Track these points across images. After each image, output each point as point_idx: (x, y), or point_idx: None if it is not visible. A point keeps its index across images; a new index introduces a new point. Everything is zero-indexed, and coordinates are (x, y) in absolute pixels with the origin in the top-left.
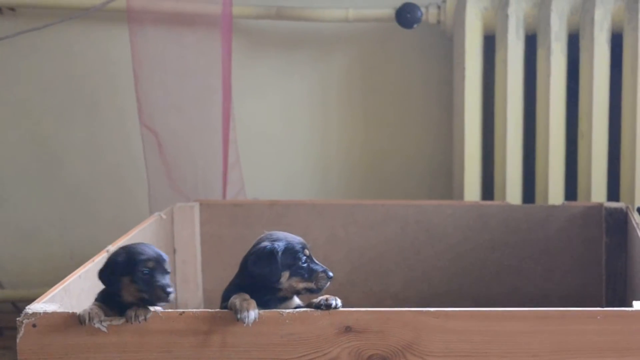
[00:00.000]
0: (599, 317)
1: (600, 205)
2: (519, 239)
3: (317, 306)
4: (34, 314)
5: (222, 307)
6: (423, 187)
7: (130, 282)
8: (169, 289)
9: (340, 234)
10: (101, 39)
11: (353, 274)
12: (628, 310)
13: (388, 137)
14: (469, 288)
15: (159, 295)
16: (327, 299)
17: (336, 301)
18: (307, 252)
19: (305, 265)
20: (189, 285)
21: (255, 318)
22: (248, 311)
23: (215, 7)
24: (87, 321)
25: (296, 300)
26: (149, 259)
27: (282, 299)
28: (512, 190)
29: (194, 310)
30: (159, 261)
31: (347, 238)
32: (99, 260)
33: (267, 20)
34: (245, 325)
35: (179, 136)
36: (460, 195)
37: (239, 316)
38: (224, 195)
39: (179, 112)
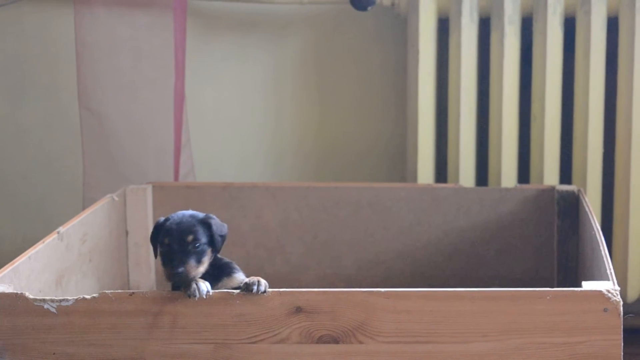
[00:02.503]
0: (548, 297)
1: (553, 188)
2: (471, 222)
3: (241, 289)
4: None
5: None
6: (377, 170)
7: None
8: (178, 269)
9: (293, 216)
10: (54, 20)
11: (306, 256)
12: (577, 291)
13: (342, 119)
14: (422, 270)
15: (168, 274)
16: (250, 283)
17: (259, 286)
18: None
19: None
20: (141, 267)
21: (207, 290)
22: (197, 284)
23: None
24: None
25: (238, 277)
26: (166, 234)
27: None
28: (465, 173)
29: (144, 291)
30: (177, 237)
31: (300, 221)
32: (49, 241)
33: (221, 1)
34: (197, 299)
35: (129, 119)
36: (414, 178)
37: (188, 292)
38: (176, 178)
39: (130, 95)
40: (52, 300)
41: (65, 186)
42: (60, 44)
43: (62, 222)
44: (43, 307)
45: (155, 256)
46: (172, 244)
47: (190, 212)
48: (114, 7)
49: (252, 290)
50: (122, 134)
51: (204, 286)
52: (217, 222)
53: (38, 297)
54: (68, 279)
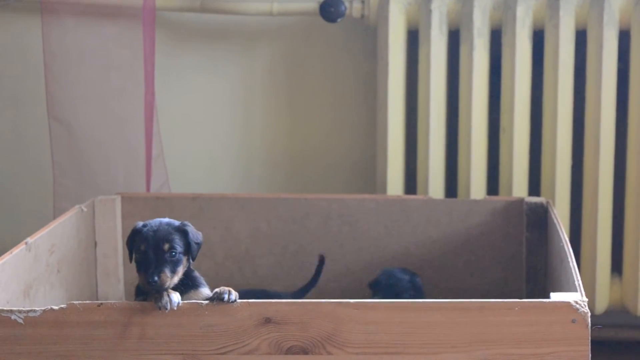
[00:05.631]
0: (517, 309)
1: (521, 200)
2: (440, 233)
3: (211, 299)
4: None
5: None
6: (347, 182)
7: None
8: (152, 279)
9: (263, 227)
10: (22, 29)
11: (276, 268)
12: (545, 302)
13: (312, 131)
14: None
15: (143, 282)
16: (220, 292)
17: (230, 295)
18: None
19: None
20: (110, 278)
21: (178, 302)
22: (169, 296)
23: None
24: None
25: (204, 292)
26: (143, 240)
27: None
28: (435, 185)
29: (113, 301)
30: (154, 245)
31: (270, 232)
32: (17, 252)
33: (190, 13)
34: (167, 311)
35: (98, 129)
36: (383, 190)
37: (160, 304)
38: (147, 189)
39: (99, 105)
40: (20, 311)
41: (35, 196)
42: (29, 53)
43: (32, 233)
44: (10, 317)
45: (130, 261)
46: (148, 251)
47: (166, 219)
48: (83, 17)
49: (222, 299)
50: (92, 145)
51: (176, 298)
52: (192, 230)
53: (5, 308)
54: (36, 290)
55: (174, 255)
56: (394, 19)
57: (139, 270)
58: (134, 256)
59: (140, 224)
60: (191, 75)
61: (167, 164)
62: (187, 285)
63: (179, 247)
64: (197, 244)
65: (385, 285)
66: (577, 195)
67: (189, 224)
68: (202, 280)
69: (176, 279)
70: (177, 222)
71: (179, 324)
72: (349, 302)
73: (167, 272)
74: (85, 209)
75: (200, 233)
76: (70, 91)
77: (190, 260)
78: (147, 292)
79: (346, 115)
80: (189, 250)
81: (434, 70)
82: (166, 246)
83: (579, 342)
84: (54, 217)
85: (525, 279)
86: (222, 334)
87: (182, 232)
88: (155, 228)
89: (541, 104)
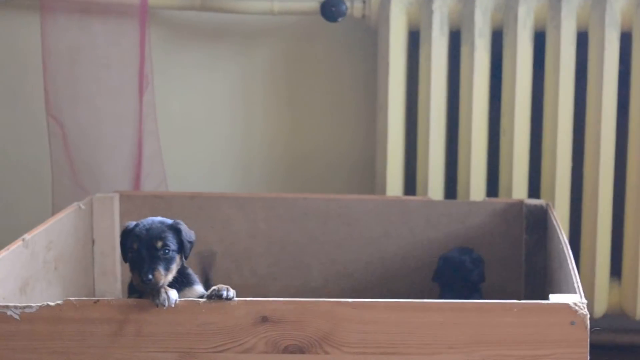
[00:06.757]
0: (515, 310)
1: (521, 202)
2: (439, 234)
3: (209, 297)
4: None
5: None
6: (346, 182)
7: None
8: (146, 277)
9: (261, 227)
10: (21, 27)
11: (274, 267)
12: (544, 303)
13: (312, 131)
14: (390, 283)
15: (137, 281)
16: (218, 289)
17: (228, 292)
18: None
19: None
20: (107, 277)
21: (175, 300)
22: (167, 293)
23: None
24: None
25: (198, 290)
26: (135, 239)
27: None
28: (434, 186)
29: (109, 298)
30: (147, 243)
31: (268, 231)
32: (14, 248)
33: (191, 11)
34: (165, 308)
35: (96, 127)
36: (383, 190)
37: (157, 301)
38: (136, 187)
39: (97, 103)
40: (16, 307)
41: (34, 194)
42: (27, 51)
43: (29, 230)
44: (6, 313)
45: (125, 261)
46: (141, 249)
47: (159, 218)
48: (81, 15)
49: (221, 296)
50: (90, 142)
51: (173, 295)
52: (185, 228)
53: (1, 304)
54: (33, 287)
55: (167, 253)
56: (395, 19)
57: (132, 269)
58: (127, 256)
59: (132, 223)
60: (191, 74)
61: (165, 163)
62: (181, 283)
63: (172, 244)
64: (190, 242)
65: (449, 275)
66: (577, 198)
67: (182, 222)
68: (195, 278)
69: (170, 277)
70: (169, 221)
71: (175, 322)
72: (346, 302)
73: (161, 269)
74: (83, 207)
75: (192, 232)
76: (68, 89)
77: (183, 259)
78: (141, 290)
79: (346, 115)
80: (182, 248)
81: (434, 70)
82: (159, 244)
83: (578, 344)
84: (52, 215)
85: (524, 281)
86: (218, 332)
87: (175, 230)
88: (147, 226)
89: (542, 106)
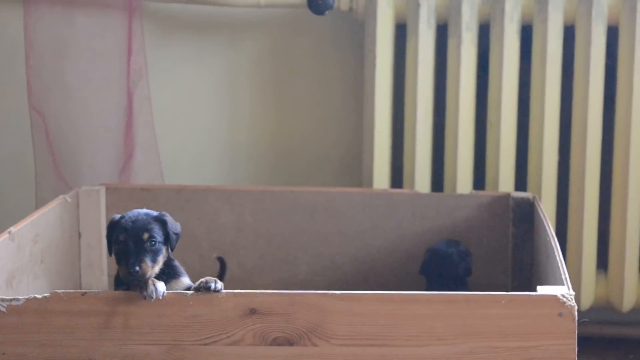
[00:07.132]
0: (503, 302)
1: (508, 195)
2: (426, 227)
3: (197, 289)
4: None
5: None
6: (333, 175)
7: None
8: (134, 269)
9: (248, 220)
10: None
11: (261, 260)
12: (532, 295)
13: (298, 124)
14: (377, 275)
15: (124, 273)
16: (206, 282)
17: (216, 284)
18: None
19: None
20: (94, 269)
21: (163, 292)
22: (154, 285)
23: None
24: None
25: (185, 282)
26: (122, 231)
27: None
28: (421, 179)
29: (97, 290)
30: (133, 235)
31: (255, 224)
32: (0, 241)
33: (177, 3)
34: (153, 300)
35: (80, 120)
36: (370, 183)
37: (145, 293)
38: (125, 178)
39: (79, 96)
40: (2, 300)
41: (18, 186)
42: (9, 43)
43: (14, 223)
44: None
45: (110, 254)
46: (128, 241)
47: (145, 210)
48: (65, 8)
49: (209, 288)
50: (74, 135)
51: (161, 287)
52: (171, 220)
53: None
54: (19, 280)
55: (154, 245)
56: (382, 12)
57: (119, 261)
58: (113, 248)
59: (117, 216)
60: (177, 67)
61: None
62: (168, 275)
63: (159, 236)
64: (176, 234)
65: (436, 267)
66: (564, 191)
67: (167, 214)
68: (182, 269)
69: (157, 269)
70: (155, 213)
71: (163, 314)
72: (334, 294)
73: (148, 261)
74: (69, 200)
75: (178, 223)
76: (51, 81)
77: (170, 251)
78: (128, 282)
79: (333, 108)
80: (168, 240)
81: (421, 64)
82: (145, 235)
83: (566, 335)
84: (36, 208)
85: (511, 274)
86: (206, 324)
87: (161, 221)
88: (134, 218)
89: (529, 99)
